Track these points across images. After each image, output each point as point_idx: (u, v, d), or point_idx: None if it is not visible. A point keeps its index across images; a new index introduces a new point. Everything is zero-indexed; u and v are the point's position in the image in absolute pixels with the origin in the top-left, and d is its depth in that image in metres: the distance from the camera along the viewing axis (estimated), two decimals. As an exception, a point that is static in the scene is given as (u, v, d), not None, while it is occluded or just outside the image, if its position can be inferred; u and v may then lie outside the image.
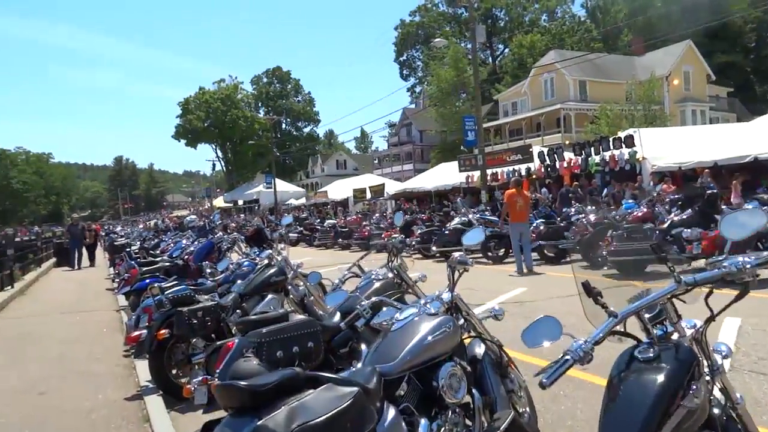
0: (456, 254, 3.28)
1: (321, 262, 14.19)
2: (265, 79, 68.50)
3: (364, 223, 20.29)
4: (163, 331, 4.65)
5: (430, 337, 2.80)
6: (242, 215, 40.13)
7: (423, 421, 2.54)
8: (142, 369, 5.17)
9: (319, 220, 25.36)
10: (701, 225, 9.29)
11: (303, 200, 43.50)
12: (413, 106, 59.16)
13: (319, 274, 5.13)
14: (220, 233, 11.04)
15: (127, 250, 11.30)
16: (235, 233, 10.61)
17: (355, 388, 2.29)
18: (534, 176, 21.76)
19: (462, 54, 42.09)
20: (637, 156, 18.19)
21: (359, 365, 3.87)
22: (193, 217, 19.22)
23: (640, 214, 10.77)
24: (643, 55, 39.86)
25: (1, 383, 5.58)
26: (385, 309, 3.68)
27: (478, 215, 14.72)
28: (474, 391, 2.93)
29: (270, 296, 5.45)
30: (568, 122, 36.40)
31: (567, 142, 28.23)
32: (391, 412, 2.37)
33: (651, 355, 1.89)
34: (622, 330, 2.03)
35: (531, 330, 2.31)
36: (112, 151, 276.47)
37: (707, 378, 1.93)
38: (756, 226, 2.33)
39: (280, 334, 3.52)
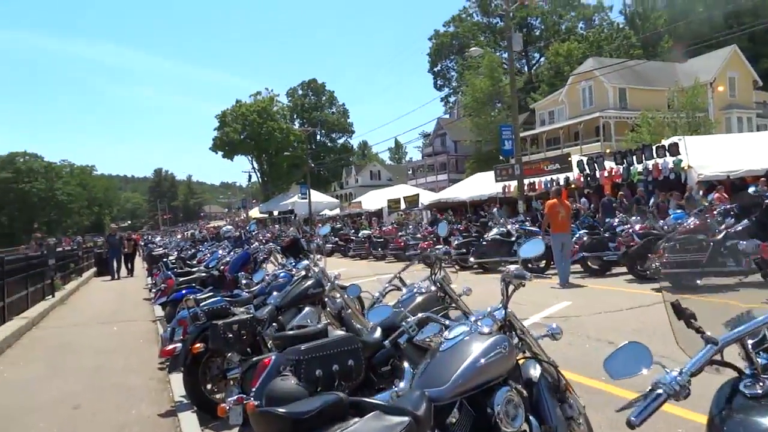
0: (511, 267, 3.02)
1: (356, 272, 14.01)
2: (300, 92, 69.26)
3: (399, 233, 20.06)
4: (197, 345, 4.50)
5: (483, 360, 2.55)
6: (277, 225, 40.38)
7: (477, 453, 2.30)
8: (177, 383, 5.03)
9: (353, 231, 25.24)
10: (759, 236, 8.76)
11: (337, 211, 43.56)
12: (447, 116, 58.91)
13: (358, 287, 4.92)
14: (256, 243, 10.96)
15: (164, 260, 11.31)
16: (270, 243, 10.50)
17: (406, 418, 2.07)
18: (573, 186, 21.21)
19: (497, 63, 41.70)
20: (683, 164, 17.53)
21: (401, 384, 3.65)
22: (230, 227, 19.32)
23: (691, 224, 10.25)
24: (686, 61, 38.75)
25: (39, 395, 5.53)
26: (429, 325, 3.46)
27: (517, 225, 14.32)
28: (531, 418, 2.67)
29: (307, 309, 5.26)
30: (607, 130, 35.56)
31: (608, 151, 27.51)
32: (442, 443, 2.14)
33: (759, 391, 1.60)
34: (720, 359, 1.74)
35: (615, 358, 2.02)
36: (152, 164, 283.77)
37: None
38: None
39: (319, 352, 3.32)
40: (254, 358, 3.73)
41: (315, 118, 66.14)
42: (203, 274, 8.63)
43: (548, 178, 22.25)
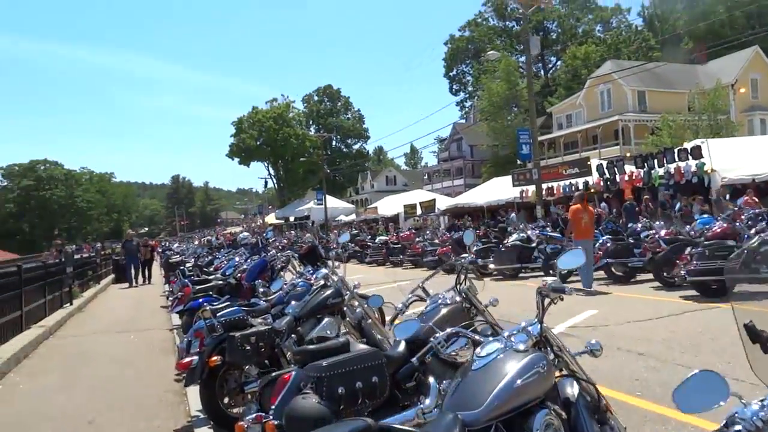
0: (549, 280, 2.82)
1: (373, 279, 13.83)
2: (315, 98, 69.47)
3: (417, 239, 19.86)
4: (214, 358, 4.35)
5: (519, 380, 2.37)
6: (292, 232, 40.37)
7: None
8: (193, 396, 4.89)
9: (370, 237, 25.08)
10: (794, 241, 8.43)
11: (353, 216, 43.48)
12: (463, 121, 58.64)
13: (380, 298, 4.74)
14: (273, 251, 10.84)
15: (181, 267, 11.24)
16: (288, 251, 10.38)
17: (440, 447, 1.89)
18: (592, 190, 20.86)
19: (514, 67, 41.41)
20: (706, 168, 17.14)
21: (427, 401, 3.46)
22: (246, 234, 19.26)
23: (719, 230, 9.92)
24: (706, 63, 38.11)
25: (53, 408, 5.43)
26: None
27: (537, 231, 14.06)
28: (571, 442, 2.48)
29: (326, 319, 5.08)
30: (626, 134, 35.05)
31: (628, 155, 27.07)
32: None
33: None
34: None
35: (686, 388, 1.79)
36: (170, 170, 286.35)
37: None
38: None
39: (342, 368, 3.15)
40: (273, 374, 3.56)
41: (330, 124, 66.27)
42: (220, 282, 8.51)
43: (567, 182, 21.94)
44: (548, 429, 2.34)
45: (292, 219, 49.22)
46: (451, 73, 60.12)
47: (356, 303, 5.49)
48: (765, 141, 22.64)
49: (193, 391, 4.84)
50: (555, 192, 22.31)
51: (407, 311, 4.43)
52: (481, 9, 58.43)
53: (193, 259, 15.32)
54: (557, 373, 2.80)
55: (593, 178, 20.87)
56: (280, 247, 16.55)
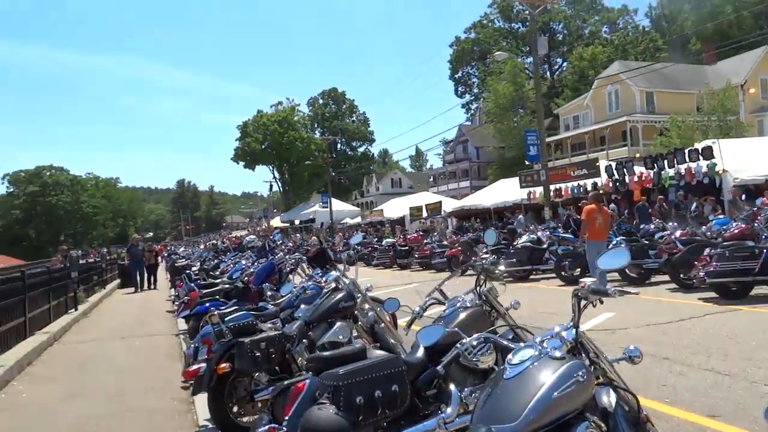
0: (588, 281, 2.62)
1: (381, 282, 13.65)
2: (320, 101, 69.51)
3: (425, 241, 19.64)
4: (223, 365, 4.16)
5: (556, 392, 2.16)
6: (298, 235, 40.23)
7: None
8: (201, 405, 4.69)
9: (376, 239, 24.87)
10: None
11: (358, 219, 43.31)
12: (469, 123, 58.45)
13: (397, 301, 4.53)
14: (281, 253, 10.65)
15: (187, 271, 11.06)
16: (297, 253, 10.19)
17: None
18: (601, 191, 20.59)
19: (520, 68, 41.21)
20: (717, 168, 16.87)
21: (448, 410, 3.25)
22: (253, 236, 19.08)
23: (737, 230, 9.66)
24: (715, 63, 37.80)
25: (56, 418, 5.25)
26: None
27: (547, 232, 13.83)
28: (611, 456, 2.28)
29: (338, 324, 4.89)
30: (634, 135, 34.78)
31: (637, 155, 26.80)
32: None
33: None
34: None
35: None
36: (175, 175, 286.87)
37: None
38: None
39: (360, 376, 2.95)
40: (286, 382, 3.36)
41: (336, 127, 66.24)
42: (227, 286, 8.34)
43: (575, 183, 21.70)
44: (589, 443, 2.15)
45: (297, 222, 49.10)
46: (456, 75, 59.96)
47: (367, 306, 5.30)
48: (778, 141, 22.38)
49: (201, 400, 4.65)
50: (563, 193, 22.07)
51: (424, 315, 4.21)
52: (486, 10, 58.39)
53: (198, 263, 15.15)
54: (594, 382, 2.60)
55: (602, 179, 20.60)
56: (285, 250, 16.35)
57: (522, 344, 2.59)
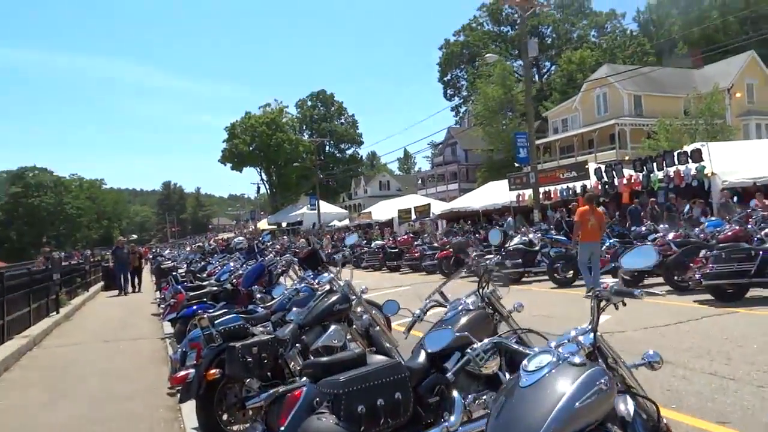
0: (610, 282, 2.46)
1: (371, 284, 13.39)
2: (309, 103, 69.18)
3: (415, 243, 19.48)
4: (213, 371, 3.96)
5: (578, 402, 1.99)
6: (285, 237, 39.91)
7: None
8: (189, 412, 4.47)
9: (365, 242, 24.67)
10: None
11: (346, 221, 43.11)
12: (458, 125, 58.48)
13: (396, 304, 4.34)
14: (271, 255, 10.43)
15: (173, 273, 10.80)
16: (287, 255, 9.97)
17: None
18: (587, 194, 20.62)
19: (509, 71, 41.25)
20: (706, 171, 16.93)
21: (452, 418, 3.08)
22: (241, 238, 18.77)
23: (730, 233, 9.62)
24: (702, 68, 38.16)
25: (35, 429, 4.99)
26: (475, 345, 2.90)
27: (540, 234, 13.73)
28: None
29: (333, 327, 4.69)
30: (623, 138, 34.98)
31: (626, 158, 26.89)
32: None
33: None
34: None
35: None
36: (161, 177, 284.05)
37: None
38: None
39: (361, 383, 2.76)
40: (281, 389, 3.17)
41: (324, 129, 65.96)
42: (215, 288, 8.11)
43: (564, 186, 21.72)
44: (613, 456, 1.99)
45: (284, 224, 48.78)
46: (445, 78, 59.96)
47: (359, 309, 5.13)
48: (764, 145, 22.55)
49: (189, 407, 4.44)
50: (552, 196, 22.09)
51: (425, 318, 4.02)
52: (475, 14, 58.46)
53: (185, 265, 14.86)
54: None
55: (591, 181, 20.61)
56: (273, 252, 16.11)
57: (536, 349, 2.42)
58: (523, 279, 13.44)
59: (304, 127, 66.87)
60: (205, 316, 4.40)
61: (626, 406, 2.41)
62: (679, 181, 17.66)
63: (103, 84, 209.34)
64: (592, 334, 2.45)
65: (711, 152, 17.04)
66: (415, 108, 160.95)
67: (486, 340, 2.67)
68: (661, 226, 12.95)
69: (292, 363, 4.48)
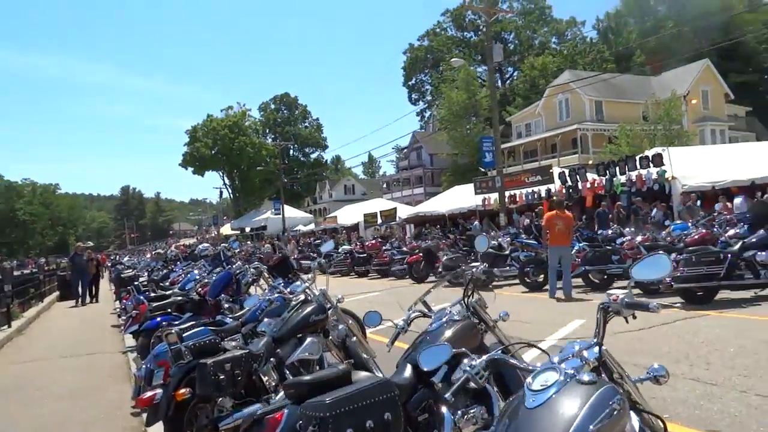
0: (620, 293, 2.33)
1: (339, 291, 13.16)
2: (272, 106, 68.44)
3: (384, 248, 19.28)
4: (182, 391, 3.68)
5: (592, 425, 1.83)
6: (249, 242, 39.21)
7: None
8: (155, 435, 4.17)
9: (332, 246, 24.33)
10: (776, 246, 8.29)
11: (312, 226, 42.66)
12: (423, 130, 58.71)
13: (378, 315, 4.13)
14: (239, 262, 10.08)
15: (135, 283, 10.33)
16: (257, 263, 9.65)
17: None
18: (554, 198, 20.85)
19: (473, 76, 41.59)
20: (667, 175, 17.30)
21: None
22: (206, 245, 18.21)
23: (697, 236, 9.77)
24: (659, 75, 39.27)
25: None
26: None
27: (508, 239, 13.73)
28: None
29: (309, 339, 4.48)
30: (584, 142, 35.66)
31: (589, 162, 27.38)
32: None
33: None
34: None
35: None
36: (119, 181, 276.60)
37: None
38: None
39: (349, 405, 2.55)
40: (259, 411, 2.94)
41: (288, 133, 65.30)
42: (179, 298, 7.73)
43: (529, 190, 21.92)
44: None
45: (248, 230, 47.98)
46: (410, 82, 60.18)
47: (334, 318, 4.91)
48: (722, 150, 23.24)
49: (156, 429, 4.14)
50: (518, 200, 22.27)
51: (410, 329, 3.83)
52: (439, 19, 58.93)
53: (146, 273, 14.31)
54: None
55: (555, 185, 20.85)
56: (238, 259, 15.68)
57: (539, 366, 2.27)
58: (494, 283, 13.40)
59: (268, 131, 66.09)
60: (173, 330, 4.11)
61: (631, 423, 2.28)
62: (641, 185, 18.00)
63: (56, 83, 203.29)
64: (597, 348, 2.31)
65: (671, 157, 17.43)
66: (379, 112, 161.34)
67: (484, 357, 2.50)
68: (627, 229, 13.15)
69: (267, 378, 4.25)
